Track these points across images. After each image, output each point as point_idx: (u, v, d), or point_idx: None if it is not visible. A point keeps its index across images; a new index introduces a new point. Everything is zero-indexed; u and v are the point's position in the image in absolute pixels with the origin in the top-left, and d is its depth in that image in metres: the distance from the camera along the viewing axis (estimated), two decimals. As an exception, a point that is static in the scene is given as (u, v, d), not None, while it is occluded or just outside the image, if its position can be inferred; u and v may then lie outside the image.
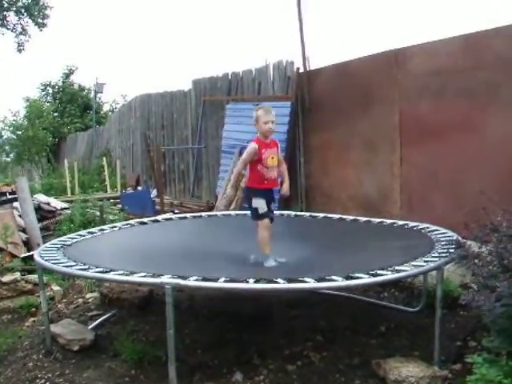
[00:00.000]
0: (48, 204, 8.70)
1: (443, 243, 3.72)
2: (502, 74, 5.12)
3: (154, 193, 10.37)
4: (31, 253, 5.89)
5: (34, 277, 5.21)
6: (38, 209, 8.15)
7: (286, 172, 4.18)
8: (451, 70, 5.60)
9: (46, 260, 3.74)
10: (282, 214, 5.50)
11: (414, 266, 3.25)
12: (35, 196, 8.94)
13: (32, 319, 4.80)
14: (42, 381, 3.47)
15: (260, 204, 3.97)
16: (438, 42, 5.79)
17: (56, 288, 5.33)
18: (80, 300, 5.05)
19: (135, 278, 3.25)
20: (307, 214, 5.72)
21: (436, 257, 3.38)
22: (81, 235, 4.78)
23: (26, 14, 16.33)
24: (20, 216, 7.49)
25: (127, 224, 5.37)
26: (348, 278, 3.05)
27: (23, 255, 6.40)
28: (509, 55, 5.05)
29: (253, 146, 3.95)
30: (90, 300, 4.99)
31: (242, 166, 4.06)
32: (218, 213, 6.51)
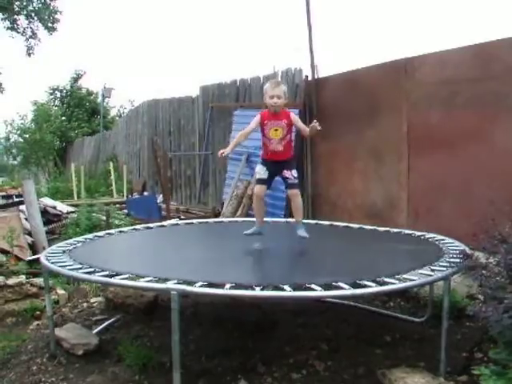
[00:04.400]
0: (54, 208, 8.73)
1: (450, 253, 3.70)
2: (512, 84, 5.12)
3: (160, 198, 10.39)
4: (37, 256, 5.90)
5: (39, 280, 5.22)
6: (44, 212, 8.17)
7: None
8: (460, 80, 5.59)
9: (52, 263, 3.72)
10: (288, 221, 5.49)
11: (421, 275, 3.22)
12: (41, 199, 8.97)
13: (36, 323, 4.79)
14: (46, 384, 3.46)
15: (258, 169, 4.19)
16: (447, 52, 5.79)
17: (61, 292, 5.32)
18: (85, 304, 5.04)
19: (141, 283, 3.23)
20: (313, 221, 5.69)
21: (443, 267, 3.35)
22: (87, 239, 4.77)
23: (36, 17, 16.45)
24: (26, 219, 7.51)
25: (133, 229, 5.37)
26: (355, 286, 3.03)
27: (29, 258, 6.42)
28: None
29: (256, 116, 4.17)
30: (94, 304, 4.99)
31: (239, 136, 4.26)
32: (225, 219, 6.50)
